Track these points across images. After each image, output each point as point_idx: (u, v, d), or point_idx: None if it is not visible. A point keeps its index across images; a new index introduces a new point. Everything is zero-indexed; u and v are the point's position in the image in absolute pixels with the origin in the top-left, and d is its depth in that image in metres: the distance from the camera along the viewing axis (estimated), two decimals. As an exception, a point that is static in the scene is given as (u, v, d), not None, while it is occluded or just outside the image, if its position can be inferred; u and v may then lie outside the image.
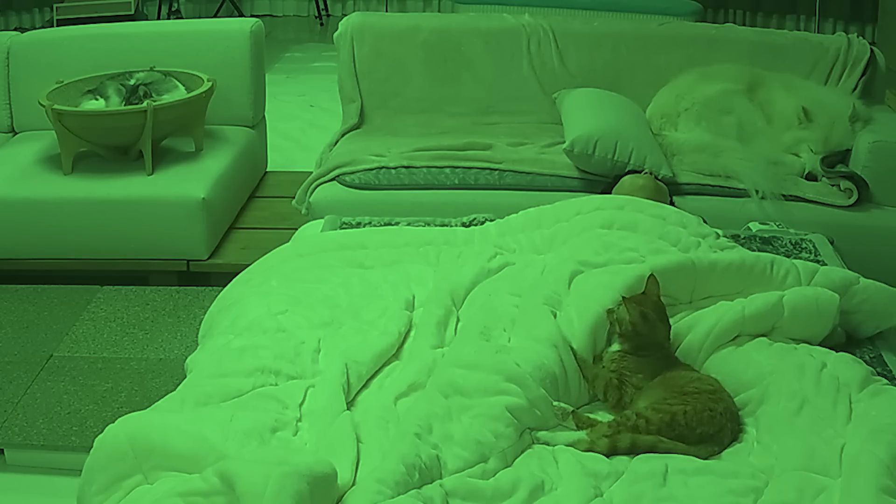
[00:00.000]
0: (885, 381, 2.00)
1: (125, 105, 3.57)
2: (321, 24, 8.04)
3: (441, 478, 1.69)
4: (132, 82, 3.68)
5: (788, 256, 2.45)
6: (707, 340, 2.09)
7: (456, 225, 2.77)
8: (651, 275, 2.09)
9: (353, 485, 1.67)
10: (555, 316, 2.10)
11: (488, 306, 2.18)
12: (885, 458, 1.70)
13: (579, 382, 2.00)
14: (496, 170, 3.38)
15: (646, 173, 3.19)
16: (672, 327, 2.09)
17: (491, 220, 2.71)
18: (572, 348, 2.01)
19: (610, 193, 2.93)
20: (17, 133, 4.04)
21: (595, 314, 2.07)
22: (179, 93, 3.68)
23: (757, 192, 3.27)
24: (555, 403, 1.90)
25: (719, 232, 2.57)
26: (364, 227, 2.82)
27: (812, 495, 1.71)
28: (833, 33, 4.12)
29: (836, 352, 2.09)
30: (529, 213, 2.62)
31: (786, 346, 2.08)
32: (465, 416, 1.83)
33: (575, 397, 2.00)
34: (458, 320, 2.22)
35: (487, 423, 1.81)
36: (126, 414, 1.85)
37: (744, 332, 2.12)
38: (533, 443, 1.87)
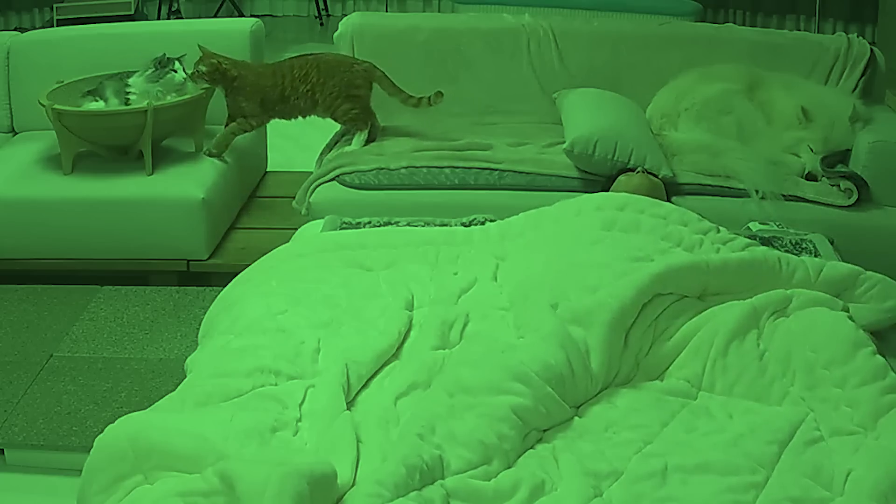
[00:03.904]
0: None
1: (133, 101, 3.56)
2: (321, 24, 8.03)
3: (443, 478, 1.69)
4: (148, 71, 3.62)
5: (789, 256, 2.45)
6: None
7: (456, 225, 2.77)
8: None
9: (353, 485, 1.67)
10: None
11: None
12: (883, 484, 1.70)
13: (586, 383, 2.00)
14: (496, 170, 3.38)
15: (639, 171, 3.18)
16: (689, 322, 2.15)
17: (491, 221, 2.71)
18: None
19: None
20: (17, 133, 4.04)
21: (611, 311, 2.07)
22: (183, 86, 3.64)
23: (757, 192, 3.27)
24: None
25: (719, 227, 2.57)
26: (364, 227, 2.82)
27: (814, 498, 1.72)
28: (833, 33, 4.11)
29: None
30: (530, 215, 2.62)
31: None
32: (469, 415, 1.82)
33: (581, 398, 2.00)
34: (465, 322, 2.22)
35: (492, 424, 1.81)
36: (126, 414, 1.85)
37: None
38: (536, 443, 1.87)
